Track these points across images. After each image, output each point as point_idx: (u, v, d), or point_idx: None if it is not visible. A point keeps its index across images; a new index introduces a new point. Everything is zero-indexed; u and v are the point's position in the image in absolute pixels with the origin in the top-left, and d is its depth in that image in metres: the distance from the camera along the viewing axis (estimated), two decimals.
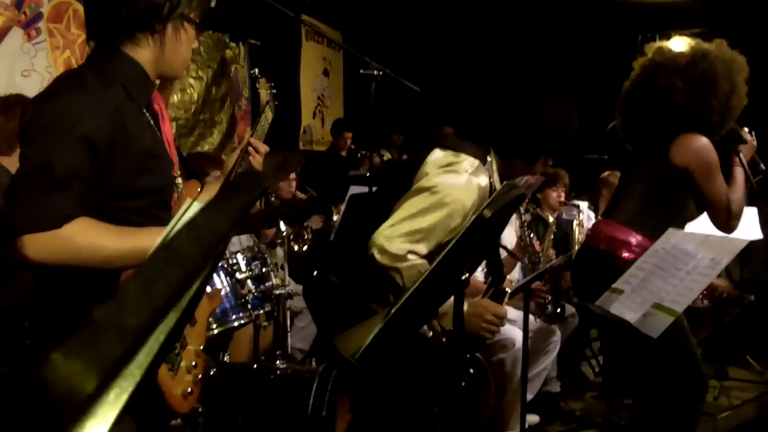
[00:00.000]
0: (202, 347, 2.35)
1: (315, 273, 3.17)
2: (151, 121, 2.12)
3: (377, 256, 2.72)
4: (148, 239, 1.90)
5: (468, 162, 2.83)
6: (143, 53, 2.08)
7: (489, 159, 2.92)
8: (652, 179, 3.36)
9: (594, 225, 3.80)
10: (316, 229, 5.74)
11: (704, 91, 3.26)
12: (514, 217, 5.22)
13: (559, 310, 5.03)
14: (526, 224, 5.02)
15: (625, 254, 3.22)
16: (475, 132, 2.97)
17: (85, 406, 0.46)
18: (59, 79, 2.16)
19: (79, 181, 1.88)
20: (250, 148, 2.53)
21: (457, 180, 2.78)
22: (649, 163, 3.38)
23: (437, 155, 2.87)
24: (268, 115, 2.86)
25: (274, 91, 2.97)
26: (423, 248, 2.74)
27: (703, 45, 3.36)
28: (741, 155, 3.43)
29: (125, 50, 2.06)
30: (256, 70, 2.97)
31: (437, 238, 2.75)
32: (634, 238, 3.25)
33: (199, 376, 2.29)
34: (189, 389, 2.21)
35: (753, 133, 3.54)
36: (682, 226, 3.39)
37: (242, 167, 2.51)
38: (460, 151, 2.85)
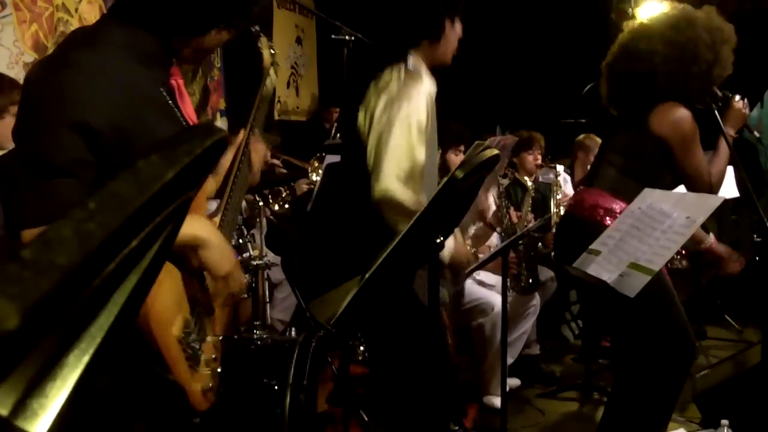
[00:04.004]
0: (221, 337, 2.18)
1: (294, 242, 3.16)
2: (168, 99, 1.99)
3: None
4: None
5: (386, 78, 2.84)
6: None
7: (410, 61, 2.89)
8: (631, 147, 3.32)
9: (576, 194, 3.76)
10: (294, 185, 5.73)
11: (685, 59, 3.21)
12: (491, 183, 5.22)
13: (531, 281, 5.05)
14: (503, 194, 5.02)
15: (609, 221, 3.20)
16: (388, 44, 2.98)
17: (8, 342, 0.45)
18: (69, 44, 1.92)
19: (82, 165, 1.74)
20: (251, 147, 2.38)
21: (395, 95, 2.79)
22: (629, 131, 3.35)
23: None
24: (273, 78, 2.78)
25: (275, 51, 2.88)
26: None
27: (691, 12, 3.31)
28: (721, 122, 3.37)
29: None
30: (257, 27, 2.84)
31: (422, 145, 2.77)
32: (618, 205, 3.22)
33: (218, 369, 2.13)
34: (209, 384, 2.05)
35: (745, 100, 3.46)
36: None
37: (241, 169, 2.33)
38: (380, 76, 2.86)
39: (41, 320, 0.46)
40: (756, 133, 3.65)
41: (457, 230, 3.02)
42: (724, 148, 3.36)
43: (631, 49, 3.36)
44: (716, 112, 3.34)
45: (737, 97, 3.41)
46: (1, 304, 0.43)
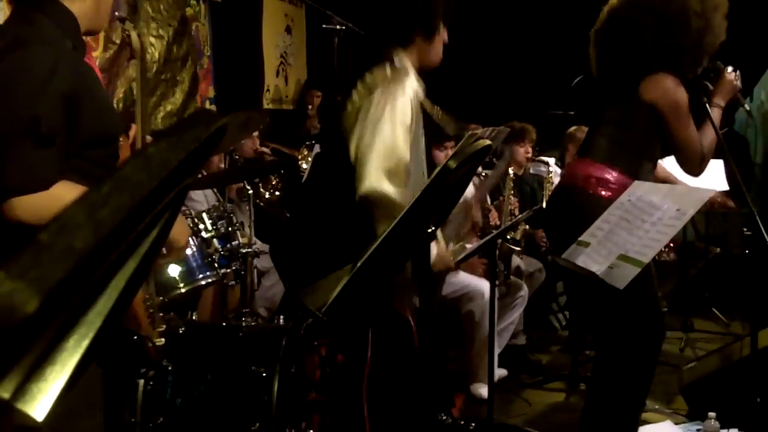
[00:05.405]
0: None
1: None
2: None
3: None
4: None
5: (373, 77, 2.85)
6: (76, 6, 2.05)
7: (397, 61, 2.90)
8: (622, 117, 3.27)
9: (569, 165, 3.73)
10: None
11: (675, 29, 3.16)
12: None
13: (507, 291, 5.06)
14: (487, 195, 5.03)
15: (604, 192, 3.18)
16: (373, 43, 3.01)
17: (27, 325, 0.45)
18: (12, 26, 2.07)
19: (60, 135, 1.86)
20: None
21: (380, 93, 2.80)
22: (620, 102, 3.31)
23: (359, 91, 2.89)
24: (137, 47, 2.77)
25: (141, 33, 2.87)
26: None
27: None
28: (710, 97, 3.34)
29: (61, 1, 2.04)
30: (122, 13, 2.85)
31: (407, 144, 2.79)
32: (611, 175, 3.19)
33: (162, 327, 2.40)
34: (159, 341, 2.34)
35: (737, 71, 3.42)
36: (655, 163, 3.37)
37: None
38: (367, 75, 2.87)
39: (56, 305, 0.46)
40: (747, 106, 3.62)
41: (440, 236, 3.03)
42: (713, 117, 3.32)
43: (619, 19, 3.30)
44: (707, 83, 3.32)
45: (729, 69, 3.38)
46: (20, 288, 0.43)
